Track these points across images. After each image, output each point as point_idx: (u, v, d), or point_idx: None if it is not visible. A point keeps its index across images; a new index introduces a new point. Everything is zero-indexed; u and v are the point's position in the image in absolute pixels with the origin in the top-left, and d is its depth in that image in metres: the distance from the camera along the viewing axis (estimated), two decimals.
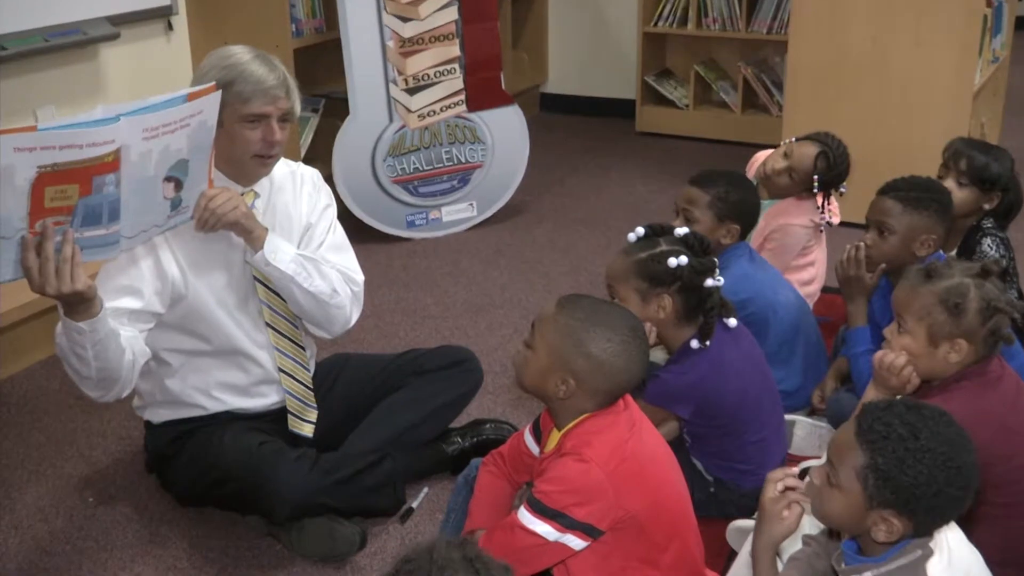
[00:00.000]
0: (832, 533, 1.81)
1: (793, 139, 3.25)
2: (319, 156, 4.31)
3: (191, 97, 2.04)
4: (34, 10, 3.34)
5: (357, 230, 3.57)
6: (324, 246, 2.50)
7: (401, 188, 4.31)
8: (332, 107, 4.55)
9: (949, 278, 2.09)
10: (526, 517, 1.89)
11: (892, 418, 1.61)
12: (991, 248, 2.86)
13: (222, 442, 2.40)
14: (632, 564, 1.94)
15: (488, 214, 4.53)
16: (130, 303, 2.27)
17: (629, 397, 2.01)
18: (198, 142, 2.10)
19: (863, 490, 1.60)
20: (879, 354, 2.15)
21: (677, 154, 5.53)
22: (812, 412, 2.83)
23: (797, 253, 3.26)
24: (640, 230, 2.35)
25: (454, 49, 4.24)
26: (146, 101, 1.96)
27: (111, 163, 1.91)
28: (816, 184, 3.16)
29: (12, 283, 1.96)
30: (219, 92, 2.12)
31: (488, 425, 2.76)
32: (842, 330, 2.95)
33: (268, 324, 2.47)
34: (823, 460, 1.70)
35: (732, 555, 2.23)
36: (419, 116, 4.24)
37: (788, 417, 2.64)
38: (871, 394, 2.12)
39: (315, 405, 2.56)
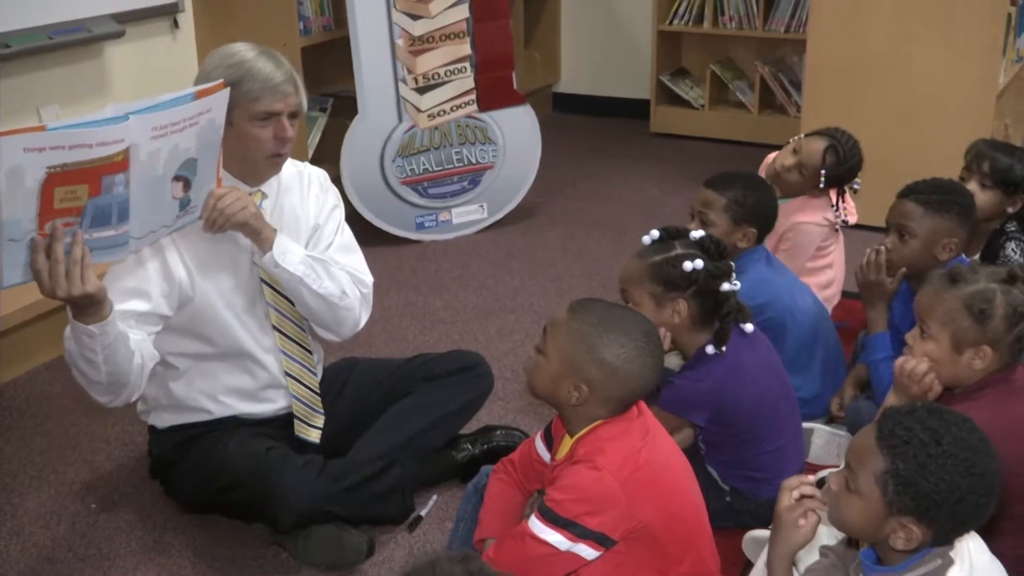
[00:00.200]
0: (851, 542, 1.80)
1: (802, 135, 3.25)
2: (327, 156, 4.32)
3: (199, 95, 2.05)
4: (38, 7, 3.36)
5: (365, 232, 3.58)
6: (332, 247, 2.51)
7: (410, 189, 4.31)
8: (340, 106, 4.57)
9: (975, 283, 2.08)
10: (537, 526, 1.89)
11: (914, 423, 1.61)
12: (1015, 252, 2.86)
13: (227, 448, 2.41)
14: (645, 575, 1.94)
15: (499, 216, 4.54)
16: (138, 305, 2.28)
17: (643, 404, 2.01)
18: (206, 141, 2.11)
19: (882, 496, 1.60)
20: (900, 360, 2.14)
21: (692, 155, 5.52)
22: (830, 420, 2.82)
23: (813, 253, 3.24)
24: (655, 233, 2.35)
25: (465, 48, 4.25)
26: (154, 99, 1.97)
27: (120, 163, 1.91)
28: (824, 178, 3.15)
29: (13, 285, 1.97)
30: (227, 90, 2.13)
31: (499, 432, 2.77)
32: (861, 336, 2.95)
33: (275, 327, 2.48)
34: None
35: (748, 566, 2.22)
36: (429, 116, 4.25)
37: (806, 425, 2.64)
38: (891, 402, 2.12)
39: (322, 410, 2.57)
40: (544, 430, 2.15)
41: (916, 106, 4.18)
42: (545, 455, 2.12)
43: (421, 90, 4.21)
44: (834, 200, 3.22)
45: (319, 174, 2.58)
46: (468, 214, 4.46)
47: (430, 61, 4.19)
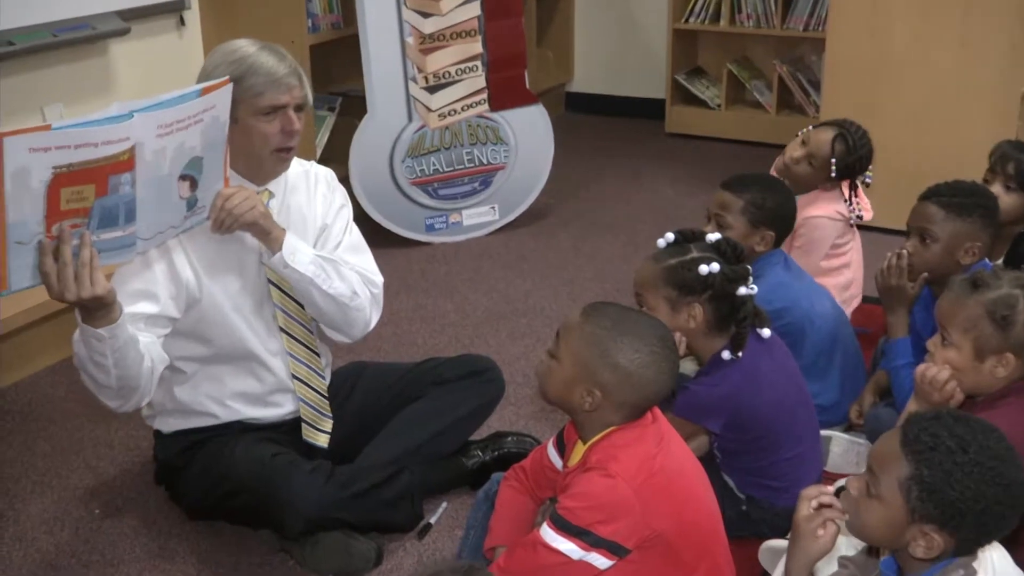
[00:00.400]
0: (870, 551, 1.80)
1: (810, 127, 3.26)
2: (335, 156, 4.33)
3: (205, 91, 2.06)
4: (42, 4, 3.37)
5: (374, 233, 3.59)
6: (341, 247, 2.52)
7: (420, 190, 4.32)
8: (349, 106, 4.58)
9: (997, 288, 2.08)
10: (549, 534, 1.90)
11: (940, 429, 1.61)
12: None
13: (234, 453, 2.42)
14: None
15: (511, 218, 4.54)
16: (146, 308, 2.29)
17: (657, 410, 2.01)
18: (212, 139, 2.12)
19: (905, 503, 1.60)
20: (921, 367, 2.14)
21: (709, 156, 5.52)
22: (849, 427, 2.82)
23: (829, 252, 3.24)
24: (670, 236, 2.35)
25: (476, 46, 4.26)
26: (159, 97, 1.98)
27: (126, 162, 1.92)
28: (835, 168, 3.15)
29: (22, 288, 1.98)
30: (231, 85, 2.14)
31: (510, 438, 2.77)
32: (882, 342, 2.94)
33: (282, 329, 2.49)
34: None
35: None
36: (439, 115, 4.26)
37: (824, 433, 2.64)
38: (912, 409, 2.11)
39: (330, 414, 2.58)
40: (556, 436, 2.16)
41: (938, 106, 4.17)
42: (557, 462, 2.13)
43: (431, 89, 4.21)
44: (846, 194, 3.22)
45: (326, 173, 2.59)
46: (479, 216, 4.47)
47: (441, 60, 4.20)
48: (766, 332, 2.33)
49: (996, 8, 4.01)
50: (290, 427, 2.55)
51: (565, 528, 1.88)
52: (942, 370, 2.09)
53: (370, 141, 4.18)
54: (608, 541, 1.87)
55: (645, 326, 1.95)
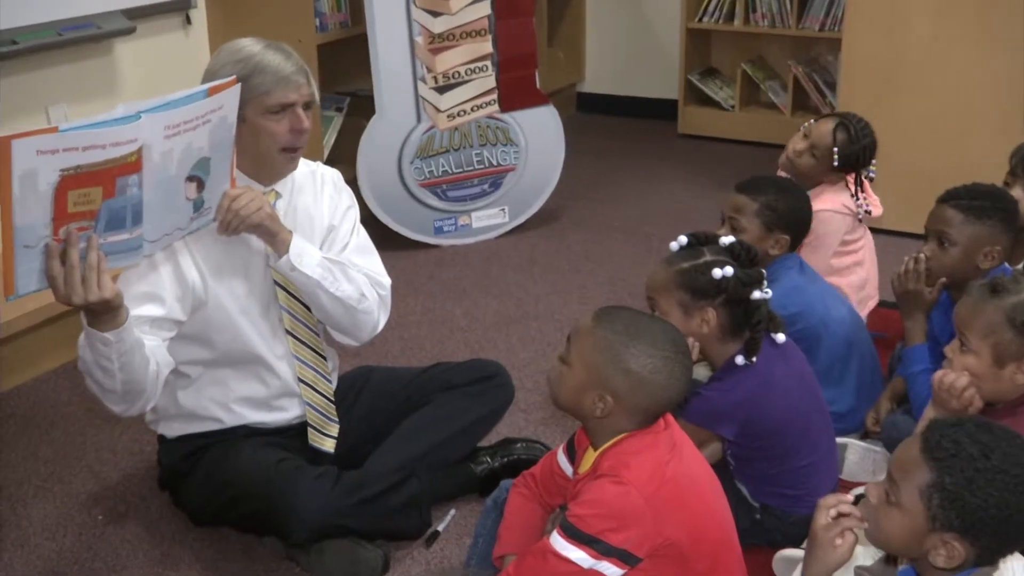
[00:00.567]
0: (888, 560, 1.80)
1: (812, 120, 3.29)
2: (343, 157, 4.34)
3: (212, 91, 2.06)
4: (46, 3, 3.38)
5: (382, 236, 3.59)
6: (348, 248, 2.52)
7: (429, 192, 4.32)
8: (357, 106, 4.58)
9: (1017, 294, 2.07)
10: (559, 542, 1.89)
11: (962, 436, 1.60)
12: None
13: (239, 458, 2.42)
14: None
15: (521, 220, 4.55)
16: (152, 310, 2.29)
17: (670, 416, 2.01)
18: (219, 139, 2.13)
19: (926, 510, 1.59)
20: (939, 374, 2.13)
21: (722, 158, 5.51)
22: (865, 435, 2.81)
23: (839, 249, 3.23)
24: (683, 239, 2.35)
25: (486, 46, 4.26)
26: (166, 97, 1.99)
27: (134, 163, 1.93)
28: (837, 157, 3.16)
29: (29, 292, 1.98)
30: (238, 85, 2.15)
31: (519, 444, 2.77)
32: (899, 348, 2.94)
33: (288, 331, 2.49)
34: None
35: None
36: (449, 116, 4.26)
37: (840, 440, 2.63)
38: (930, 416, 2.11)
39: (337, 419, 2.58)
40: (567, 443, 2.15)
41: (956, 107, 4.16)
42: (568, 469, 2.13)
43: (441, 89, 4.22)
44: (852, 188, 3.22)
45: (332, 174, 2.60)
46: (489, 218, 4.47)
47: (450, 59, 4.20)
48: (781, 337, 2.33)
49: (1015, 7, 4.00)
50: (296, 432, 2.56)
51: (575, 536, 1.88)
52: (960, 377, 2.09)
53: (378, 142, 4.19)
54: (619, 550, 1.87)
55: (658, 331, 1.95)
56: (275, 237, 2.33)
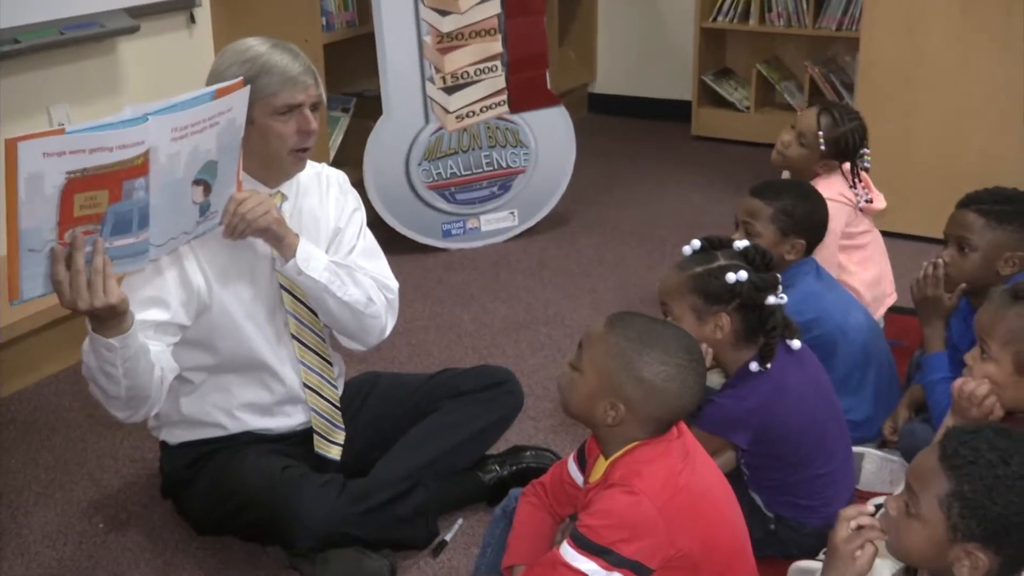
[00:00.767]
0: (909, 571, 1.79)
1: (799, 111, 3.36)
2: (349, 159, 4.35)
3: (219, 93, 2.07)
4: (49, 1, 3.39)
5: (389, 239, 3.60)
6: (355, 252, 2.53)
7: (437, 195, 4.33)
8: (364, 107, 4.60)
9: None
10: (569, 553, 1.89)
11: (980, 443, 1.60)
12: None
13: (243, 466, 2.43)
14: None
15: (530, 224, 4.55)
16: (156, 315, 2.30)
17: (683, 424, 2.01)
18: (226, 142, 2.13)
19: (946, 520, 1.59)
20: (959, 382, 2.13)
21: (737, 161, 5.51)
22: (883, 444, 2.81)
23: (844, 241, 3.22)
24: (696, 243, 2.35)
25: (496, 45, 4.27)
26: (173, 99, 1.99)
27: (141, 166, 1.94)
28: (822, 140, 3.21)
29: (34, 297, 1.98)
30: (247, 88, 2.15)
31: (528, 452, 2.77)
32: (917, 355, 2.93)
33: (294, 336, 2.50)
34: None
35: None
36: (457, 117, 4.27)
37: (857, 449, 2.63)
38: (949, 426, 2.10)
39: (343, 426, 2.58)
40: (577, 451, 2.16)
41: (977, 109, 4.15)
42: (578, 478, 2.13)
43: (449, 90, 4.23)
44: (849, 178, 3.24)
45: (338, 175, 2.61)
46: (498, 221, 4.48)
47: (459, 59, 4.21)
48: (796, 343, 2.33)
49: None
50: (301, 439, 2.56)
51: (586, 547, 1.88)
52: (981, 385, 2.08)
53: (385, 143, 4.20)
54: (631, 561, 1.87)
55: (671, 337, 1.95)
56: (282, 241, 2.34)
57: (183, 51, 4.02)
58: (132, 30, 3.68)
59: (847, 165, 3.25)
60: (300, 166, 2.43)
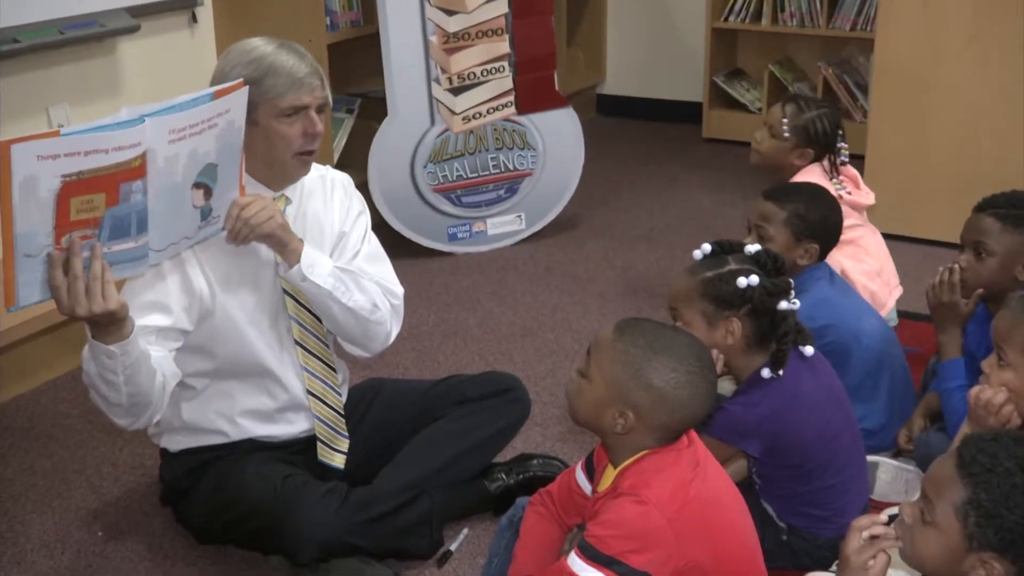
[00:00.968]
0: None
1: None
2: (353, 161, 4.35)
3: (219, 94, 2.07)
4: (48, 0, 3.40)
5: (394, 243, 3.60)
6: (360, 256, 2.53)
7: (443, 197, 4.33)
8: (369, 108, 4.60)
9: None
10: (577, 564, 1.89)
11: (998, 450, 1.60)
12: None
13: (244, 474, 2.43)
14: None
15: (538, 227, 4.55)
16: (158, 320, 2.30)
17: (693, 432, 2.00)
18: (227, 144, 2.13)
19: (962, 529, 1.58)
20: (975, 390, 2.13)
21: (748, 163, 5.49)
22: (898, 453, 2.81)
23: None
24: (706, 247, 2.35)
25: (503, 46, 4.27)
26: (171, 101, 2.00)
27: (138, 168, 1.94)
28: (786, 127, 3.29)
29: (31, 304, 1.98)
30: (246, 88, 2.16)
31: (536, 461, 2.77)
32: (932, 362, 2.93)
33: (297, 342, 2.50)
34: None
35: None
36: (464, 119, 4.27)
37: (871, 458, 2.62)
38: (965, 434, 2.10)
39: (347, 434, 2.59)
40: (585, 459, 2.15)
41: (995, 111, 4.14)
42: (586, 487, 2.13)
43: (456, 91, 4.23)
44: (827, 168, 3.30)
45: (342, 178, 2.61)
46: (505, 225, 4.48)
47: (466, 60, 4.21)
48: (809, 350, 2.32)
49: None
50: (303, 446, 2.56)
51: (594, 557, 1.88)
52: (998, 393, 2.08)
53: (390, 145, 4.20)
54: (640, 572, 1.86)
55: (681, 344, 1.95)
56: (286, 247, 2.34)
57: (185, 51, 4.03)
58: (133, 30, 3.68)
59: (826, 163, 3.32)
60: (305, 170, 2.44)
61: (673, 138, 5.93)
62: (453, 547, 2.57)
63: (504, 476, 2.71)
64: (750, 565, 2.01)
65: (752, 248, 2.34)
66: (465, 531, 2.63)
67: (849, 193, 3.27)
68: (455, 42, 4.19)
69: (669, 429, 1.94)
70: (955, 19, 4.14)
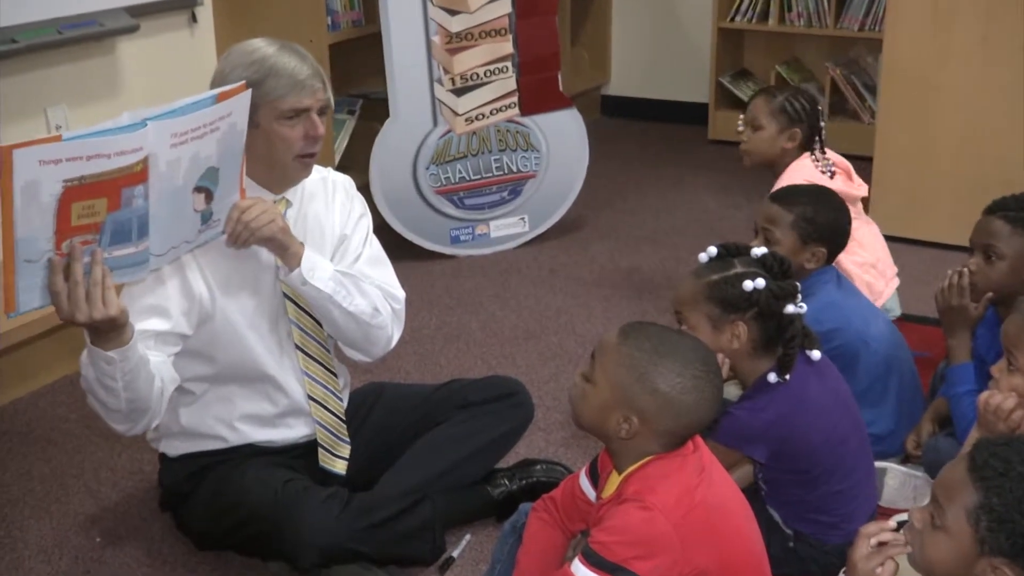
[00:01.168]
0: None
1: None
2: (355, 163, 4.35)
3: (221, 97, 2.07)
4: (47, 0, 3.41)
5: (395, 246, 3.61)
6: (361, 259, 2.53)
7: (445, 199, 4.34)
8: (370, 109, 4.60)
9: None
10: (581, 570, 1.89)
11: (1011, 454, 1.60)
12: None
13: (244, 479, 2.43)
14: None
15: (541, 230, 4.55)
16: (157, 324, 2.31)
17: (699, 438, 2.00)
18: (228, 148, 2.14)
19: (974, 534, 1.58)
20: (985, 395, 2.13)
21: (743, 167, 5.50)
22: (906, 459, 2.80)
23: None
24: (712, 250, 2.35)
25: (507, 46, 4.27)
26: (173, 104, 2.00)
27: (139, 173, 1.94)
28: (765, 115, 3.37)
29: (31, 309, 1.98)
30: (248, 92, 2.16)
31: (539, 466, 2.77)
32: (941, 367, 2.93)
33: (298, 346, 2.50)
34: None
35: None
36: (467, 120, 4.27)
37: (878, 464, 2.62)
38: (974, 439, 2.10)
39: (348, 439, 2.59)
40: (589, 465, 2.15)
41: (1004, 112, 4.14)
42: (590, 492, 2.13)
43: (458, 92, 4.23)
44: (814, 152, 3.37)
45: (344, 180, 2.61)
46: (508, 227, 4.48)
47: (469, 60, 4.22)
48: (816, 354, 2.32)
49: None
50: (303, 451, 2.56)
51: (598, 564, 1.88)
52: (1008, 398, 2.08)
53: (392, 147, 4.20)
54: None
55: (687, 348, 1.95)
56: (286, 251, 2.35)
57: (184, 51, 4.03)
58: (132, 29, 3.68)
59: (817, 153, 3.37)
60: (306, 172, 2.44)
61: (678, 139, 5.93)
62: (455, 553, 2.57)
63: (507, 482, 2.71)
64: (756, 572, 2.01)
65: (758, 251, 2.34)
66: (467, 537, 2.63)
67: (833, 175, 3.31)
68: (458, 42, 4.19)
69: (674, 434, 1.94)
70: (964, 20, 4.14)
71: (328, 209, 2.54)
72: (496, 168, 4.38)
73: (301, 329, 2.49)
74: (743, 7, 5.69)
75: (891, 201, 4.28)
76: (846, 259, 3.19)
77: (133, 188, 1.95)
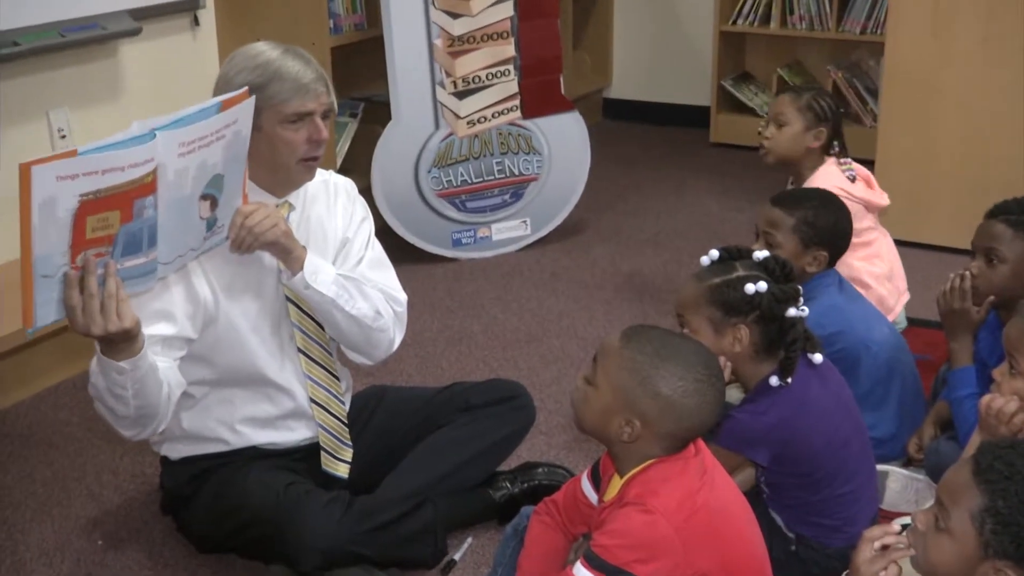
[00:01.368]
0: None
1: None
2: (357, 166, 4.36)
3: (225, 105, 2.07)
4: (49, 3, 3.41)
5: (397, 248, 3.61)
6: (363, 263, 2.54)
7: (447, 202, 4.34)
8: (372, 112, 4.60)
9: None
10: (582, 573, 1.89)
11: (1016, 458, 1.60)
12: None
13: (246, 482, 2.44)
14: None
15: (543, 233, 4.55)
16: (164, 329, 2.31)
17: (701, 441, 2.01)
18: (233, 154, 2.14)
19: (978, 536, 1.58)
20: (986, 398, 2.13)
21: (757, 168, 5.44)
22: (908, 462, 2.81)
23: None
24: (714, 253, 2.35)
25: (509, 49, 4.28)
26: (178, 113, 2.00)
27: (150, 184, 1.95)
28: (799, 109, 3.33)
29: (47, 324, 1.98)
30: (252, 98, 2.16)
31: (541, 469, 2.77)
32: (943, 370, 2.93)
33: (300, 350, 2.51)
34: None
35: None
36: (468, 123, 4.28)
37: (880, 468, 2.62)
38: (976, 443, 2.10)
39: (350, 443, 2.59)
40: (591, 468, 2.15)
41: (1007, 115, 4.14)
42: (592, 496, 2.13)
43: (460, 95, 4.24)
44: (837, 156, 3.34)
45: (346, 183, 2.62)
46: (510, 230, 4.48)
47: (471, 63, 4.22)
48: (818, 357, 2.32)
49: None
50: (306, 454, 2.57)
51: (600, 567, 1.88)
52: (1010, 401, 2.08)
53: (394, 150, 4.21)
54: None
55: (689, 352, 1.95)
56: (289, 255, 2.35)
57: (186, 54, 4.04)
58: (134, 32, 3.69)
59: (837, 157, 3.35)
60: (309, 176, 2.44)
61: (680, 142, 5.93)
62: (457, 556, 2.57)
63: (509, 485, 2.71)
64: (758, 575, 2.02)
65: (760, 254, 2.34)
66: (469, 540, 2.63)
67: (854, 179, 3.29)
68: (460, 45, 4.20)
69: (676, 438, 1.94)
70: (965, 23, 4.14)
71: (330, 212, 2.55)
72: (498, 171, 4.39)
73: (303, 332, 2.50)
74: (745, 10, 5.69)
75: (893, 204, 4.23)
76: (864, 269, 3.19)
77: (144, 199, 1.95)
